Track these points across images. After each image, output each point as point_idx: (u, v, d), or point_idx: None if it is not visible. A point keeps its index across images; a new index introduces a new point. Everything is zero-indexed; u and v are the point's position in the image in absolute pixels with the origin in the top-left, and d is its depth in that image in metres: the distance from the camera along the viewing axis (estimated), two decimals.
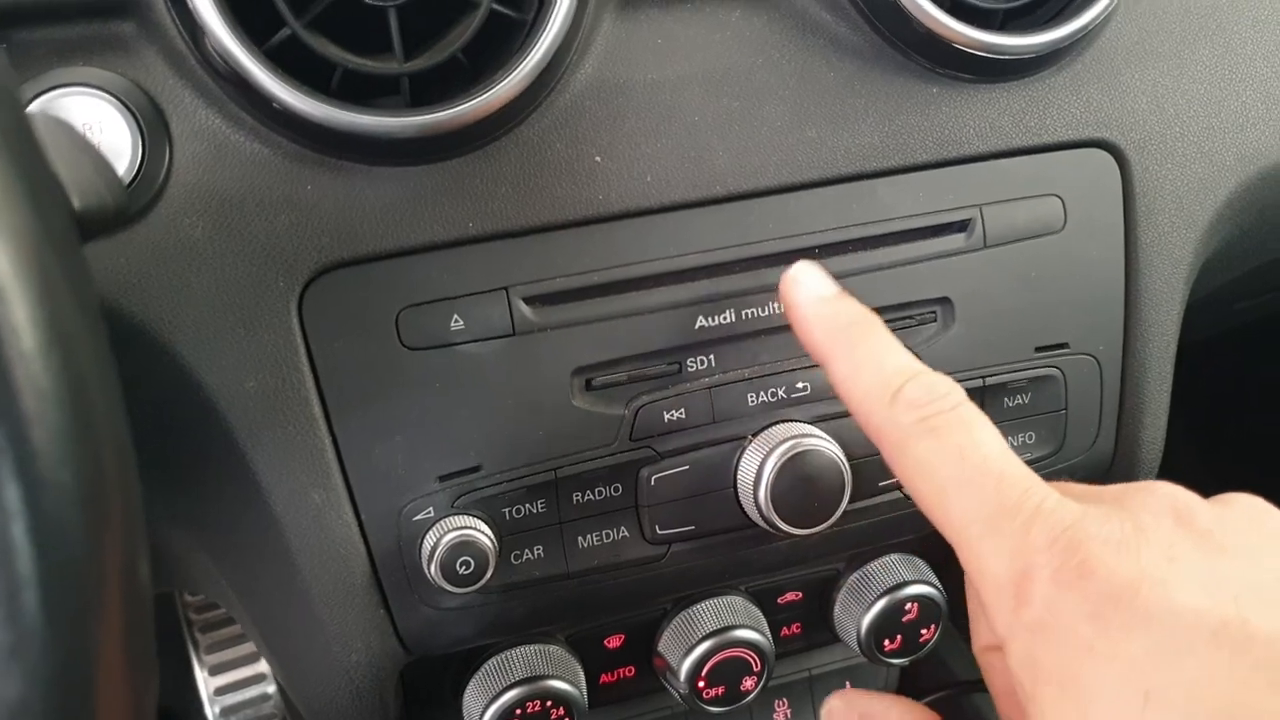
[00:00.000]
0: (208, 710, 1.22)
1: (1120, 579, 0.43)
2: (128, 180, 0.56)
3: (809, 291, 0.58)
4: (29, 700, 0.26)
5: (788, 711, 0.93)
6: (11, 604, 0.26)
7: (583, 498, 0.65)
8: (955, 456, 0.49)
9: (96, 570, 0.28)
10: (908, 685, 0.98)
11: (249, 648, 1.23)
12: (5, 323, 0.26)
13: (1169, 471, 0.78)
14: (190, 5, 0.55)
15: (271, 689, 1.24)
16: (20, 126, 0.29)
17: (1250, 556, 0.44)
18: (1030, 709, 0.44)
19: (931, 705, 0.96)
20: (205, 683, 1.23)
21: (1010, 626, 0.45)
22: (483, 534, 0.61)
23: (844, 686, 0.94)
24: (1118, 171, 0.71)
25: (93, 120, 0.56)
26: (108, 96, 0.56)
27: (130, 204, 0.55)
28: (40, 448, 0.26)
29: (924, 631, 0.79)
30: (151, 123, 0.57)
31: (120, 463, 0.29)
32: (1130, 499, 0.48)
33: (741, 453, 0.66)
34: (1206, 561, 0.43)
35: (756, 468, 0.64)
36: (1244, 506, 0.47)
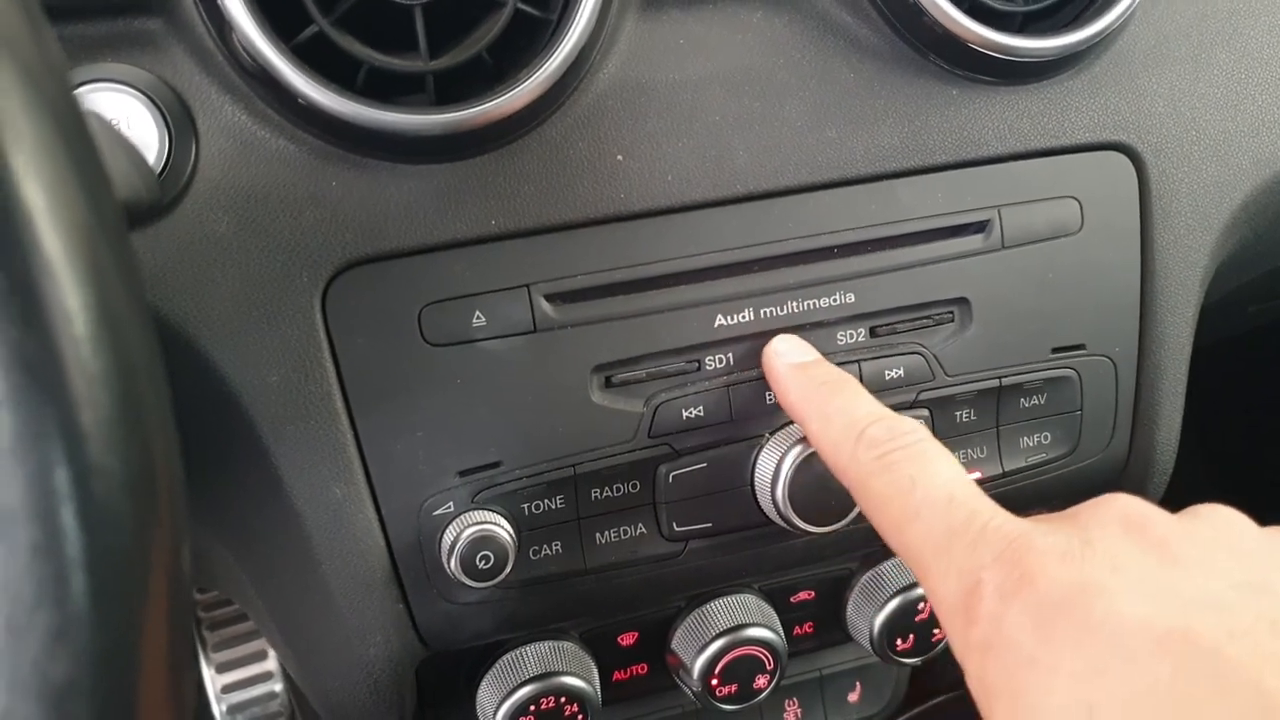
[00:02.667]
0: (214, 708, 1.22)
1: (1061, 588, 0.42)
2: (156, 175, 0.56)
3: (788, 360, 0.63)
4: (77, 682, 0.27)
5: (798, 711, 0.93)
6: (60, 587, 0.27)
7: (601, 494, 0.65)
8: (907, 487, 0.50)
9: (143, 556, 0.28)
10: (918, 685, 0.99)
11: (256, 645, 1.23)
12: (59, 307, 0.26)
13: (1180, 474, 0.78)
14: (218, 2, 0.55)
15: (278, 687, 1.24)
16: (75, 116, 0.29)
17: (1205, 566, 0.43)
18: None
19: (942, 706, 0.97)
20: (212, 680, 1.24)
21: (963, 648, 0.45)
22: (502, 529, 0.61)
23: (855, 686, 0.94)
24: (1134, 174, 0.71)
25: (120, 116, 0.56)
26: (135, 92, 0.56)
27: (162, 197, 0.55)
28: (90, 431, 0.27)
29: (936, 631, 0.79)
30: (178, 119, 0.57)
31: (167, 449, 0.30)
32: (1083, 513, 0.47)
33: (759, 451, 0.66)
34: (1155, 571, 0.42)
35: (774, 466, 0.65)
36: (1211, 518, 0.47)
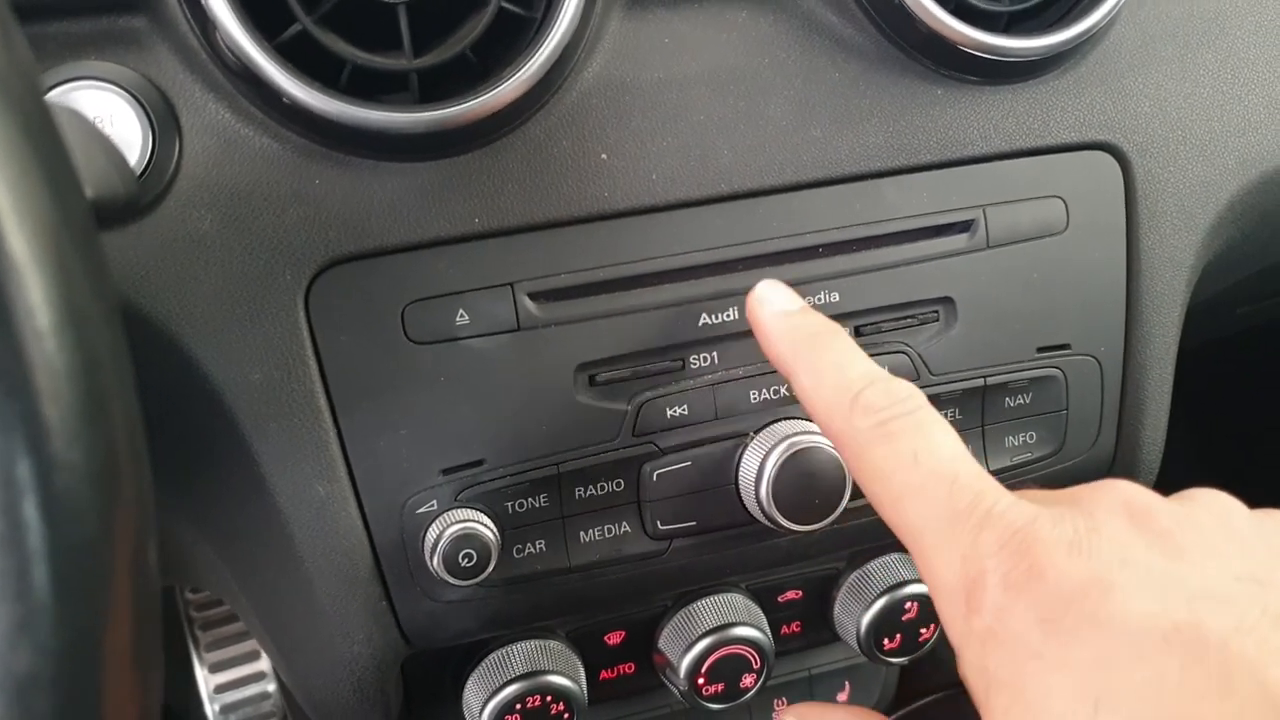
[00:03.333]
0: (207, 708, 1.23)
1: (1071, 583, 0.42)
2: (138, 173, 0.56)
3: (773, 307, 0.59)
4: (38, 674, 0.27)
5: None
6: (22, 579, 0.27)
7: (585, 492, 0.65)
8: (909, 461, 0.48)
9: (107, 549, 0.28)
10: (908, 685, 0.99)
11: (249, 646, 1.24)
12: (22, 302, 0.26)
13: (1170, 475, 0.78)
14: (202, 0, 0.55)
15: (271, 687, 1.24)
16: (42, 116, 0.30)
17: (1210, 557, 0.43)
18: (985, 718, 0.44)
19: (931, 706, 0.97)
20: (205, 680, 1.24)
21: (963, 635, 0.45)
22: (485, 527, 0.61)
23: (843, 686, 0.95)
24: (1120, 174, 0.71)
25: (104, 114, 0.56)
26: (119, 90, 0.57)
27: (141, 195, 0.55)
28: (52, 425, 0.27)
29: (923, 631, 0.79)
30: (162, 116, 0.57)
31: (132, 444, 0.30)
32: (1086, 499, 0.47)
33: (743, 450, 0.66)
34: (1161, 564, 0.42)
35: (758, 464, 0.65)
36: (1207, 503, 0.46)
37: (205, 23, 0.57)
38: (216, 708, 1.24)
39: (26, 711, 0.26)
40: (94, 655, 0.28)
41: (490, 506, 0.63)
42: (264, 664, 1.24)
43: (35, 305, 0.27)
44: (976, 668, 0.44)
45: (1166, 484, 0.77)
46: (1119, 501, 0.46)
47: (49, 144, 0.30)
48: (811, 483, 0.64)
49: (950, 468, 0.48)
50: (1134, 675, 0.39)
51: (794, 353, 0.57)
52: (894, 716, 0.97)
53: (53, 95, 0.56)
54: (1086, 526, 0.44)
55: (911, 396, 0.51)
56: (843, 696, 0.95)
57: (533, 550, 0.65)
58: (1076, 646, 0.40)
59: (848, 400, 0.52)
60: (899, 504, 0.48)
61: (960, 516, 0.46)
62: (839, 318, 0.66)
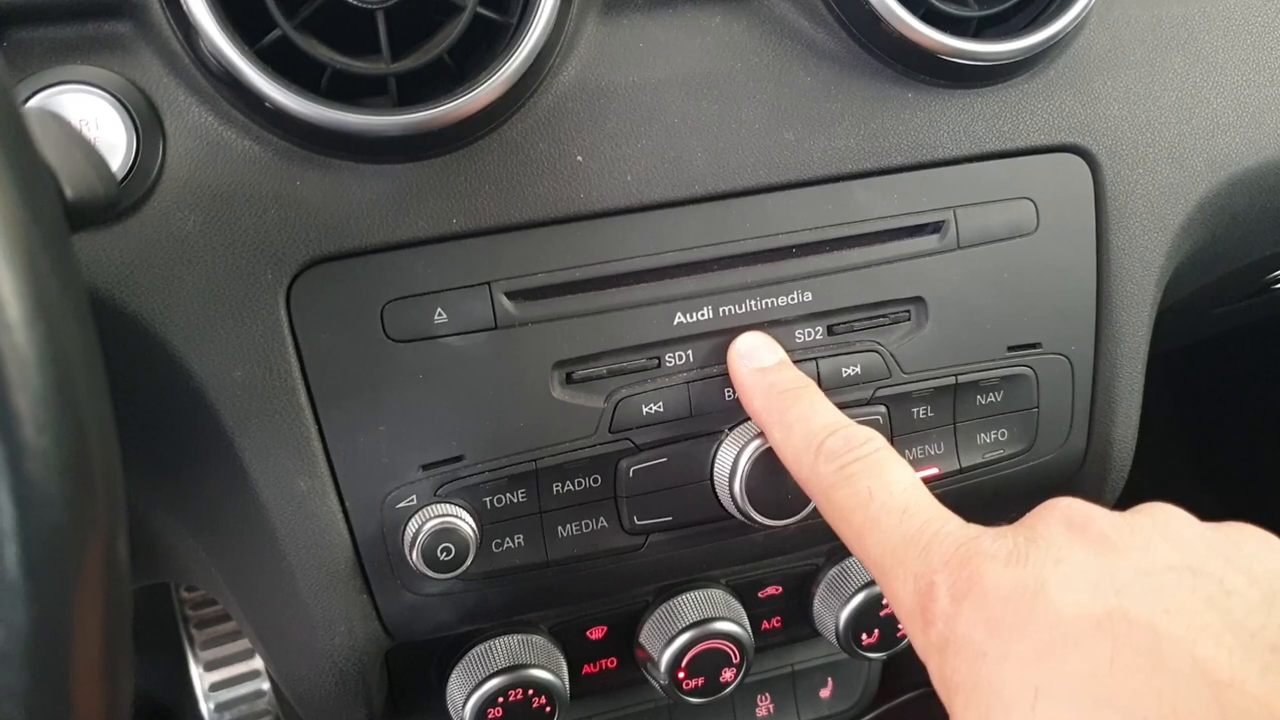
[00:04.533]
0: (202, 706, 1.24)
1: (1008, 585, 0.45)
2: (122, 175, 0.58)
3: (750, 364, 0.65)
4: (9, 651, 0.28)
5: (770, 706, 0.94)
6: None
7: (563, 488, 0.66)
8: (866, 499, 0.53)
9: (76, 532, 0.30)
10: (890, 682, 1.00)
11: (243, 644, 1.25)
12: None
13: (1165, 473, 0.79)
14: (184, 6, 0.56)
15: (265, 685, 1.25)
16: (11, 117, 0.31)
17: (1143, 552, 0.45)
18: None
19: (912, 702, 0.98)
20: (200, 678, 1.25)
21: (924, 648, 0.48)
22: (464, 522, 0.63)
23: (826, 682, 0.96)
24: (1090, 176, 0.72)
25: (90, 117, 0.58)
26: (104, 94, 0.58)
27: (122, 196, 0.56)
28: (22, 413, 0.28)
29: (900, 627, 0.80)
30: (146, 120, 0.59)
31: (101, 432, 0.31)
32: (1029, 518, 0.50)
33: (718, 446, 0.68)
34: (1095, 560, 0.45)
35: (732, 460, 0.66)
36: (1150, 511, 0.49)
37: (188, 28, 0.58)
38: (211, 705, 1.25)
39: None
40: (63, 634, 0.29)
41: (469, 501, 0.64)
42: (258, 662, 1.25)
43: (5, 298, 0.28)
44: (939, 677, 0.47)
45: (1159, 485, 0.79)
46: (1058, 515, 0.49)
47: (18, 145, 0.31)
48: (784, 479, 0.65)
49: (901, 500, 0.52)
50: (1070, 661, 0.41)
51: (766, 408, 0.63)
52: (875, 712, 0.98)
53: (39, 99, 0.57)
54: (1025, 538, 0.47)
55: (869, 441, 0.56)
56: (825, 693, 0.96)
57: (511, 545, 0.66)
58: (1017, 641, 0.43)
59: (813, 449, 0.57)
60: (861, 539, 0.53)
61: (911, 540, 0.50)
62: (812, 317, 0.68)
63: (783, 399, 0.62)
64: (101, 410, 0.32)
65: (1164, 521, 0.48)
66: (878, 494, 0.53)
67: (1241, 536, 0.47)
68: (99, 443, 0.31)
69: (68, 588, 0.29)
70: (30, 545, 0.28)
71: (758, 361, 0.65)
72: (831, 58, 0.68)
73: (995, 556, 0.46)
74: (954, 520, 0.50)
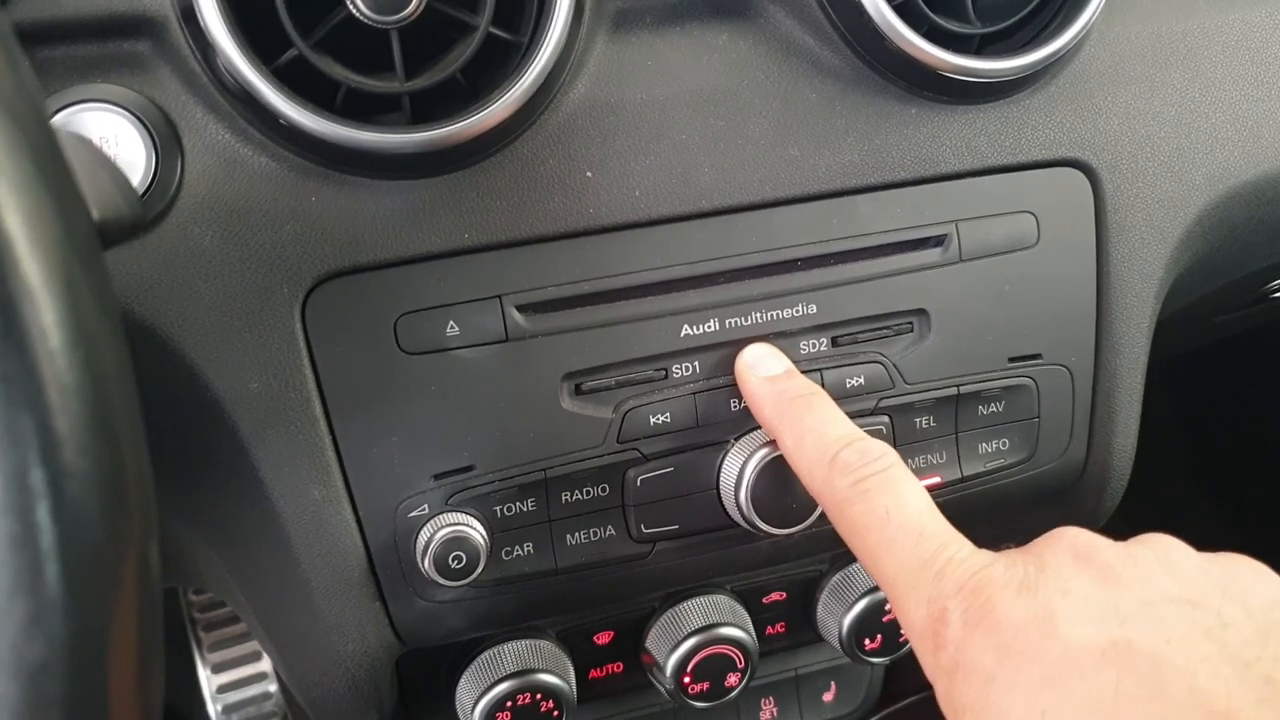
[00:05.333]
0: (210, 708, 1.25)
1: (1019, 614, 0.47)
2: (141, 192, 0.59)
3: (759, 372, 0.66)
4: (50, 663, 0.29)
5: (774, 710, 0.95)
6: (35, 576, 0.29)
7: (571, 497, 0.68)
8: (882, 518, 0.54)
9: (113, 549, 0.31)
10: (892, 686, 1.01)
11: (251, 647, 1.26)
12: (35, 324, 0.29)
13: (1163, 480, 0.80)
14: (203, 26, 0.58)
15: (273, 687, 1.27)
16: (50, 144, 0.32)
17: (1146, 585, 0.47)
18: None
19: (915, 705, 0.99)
20: (208, 680, 1.26)
21: (933, 670, 0.50)
22: (475, 530, 0.64)
23: (829, 686, 0.97)
24: (1090, 190, 0.73)
25: (109, 134, 0.59)
26: (124, 112, 0.59)
27: (145, 215, 0.58)
28: (64, 437, 0.29)
29: (904, 632, 0.81)
30: (165, 137, 0.60)
31: (136, 452, 0.32)
32: (1037, 545, 0.52)
33: (724, 456, 0.69)
34: (1099, 593, 0.47)
35: (738, 470, 0.67)
36: (1151, 543, 0.51)
37: (206, 47, 0.59)
38: (219, 708, 1.26)
39: (40, 696, 0.29)
40: (101, 646, 0.30)
41: (480, 510, 0.65)
42: (265, 664, 1.26)
43: (48, 326, 0.29)
44: (946, 698, 0.49)
45: (1157, 490, 0.80)
46: (1065, 545, 0.51)
47: (56, 171, 0.32)
48: (789, 488, 0.66)
49: (917, 522, 0.53)
50: (1075, 689, 0.43)
51: (778, 416, 0.63)
52: (878, 716, 0.99)
53: (60, 117, 0.59)
54: (1035, 568, 0.49)
55: (884, 456, 0.57)
56: (829, 696, 0.97)
57: (521, 553, 0.67)
58: (1025, 668, 0.45)
59: (826, 460, 0.58)
60: (876, 557, 0.54)
61: (926, 564, 0.51)
62: (816, 329, 0.69)
63: (794, 407, 0.63)
64: (136, 429, 0.33)
65: (1164, 553, 0.50)
66: (894, 514, 0.54)
67: (1238, 569, 0.48)
68: (134, 460, 0.32)
69: (105, 602, 0.31)
70: (70, 563, 0.29)
71: (766, 370, 0.66)
72: (836, 74, 0.69)
73: (1007, 587, 0.48)
74: (966, 546, 0.52)
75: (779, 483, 0.66)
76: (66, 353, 0.30)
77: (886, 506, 0.54)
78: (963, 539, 0.53)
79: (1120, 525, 0.85)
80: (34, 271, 0.29)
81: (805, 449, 0.60)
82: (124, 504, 0.31)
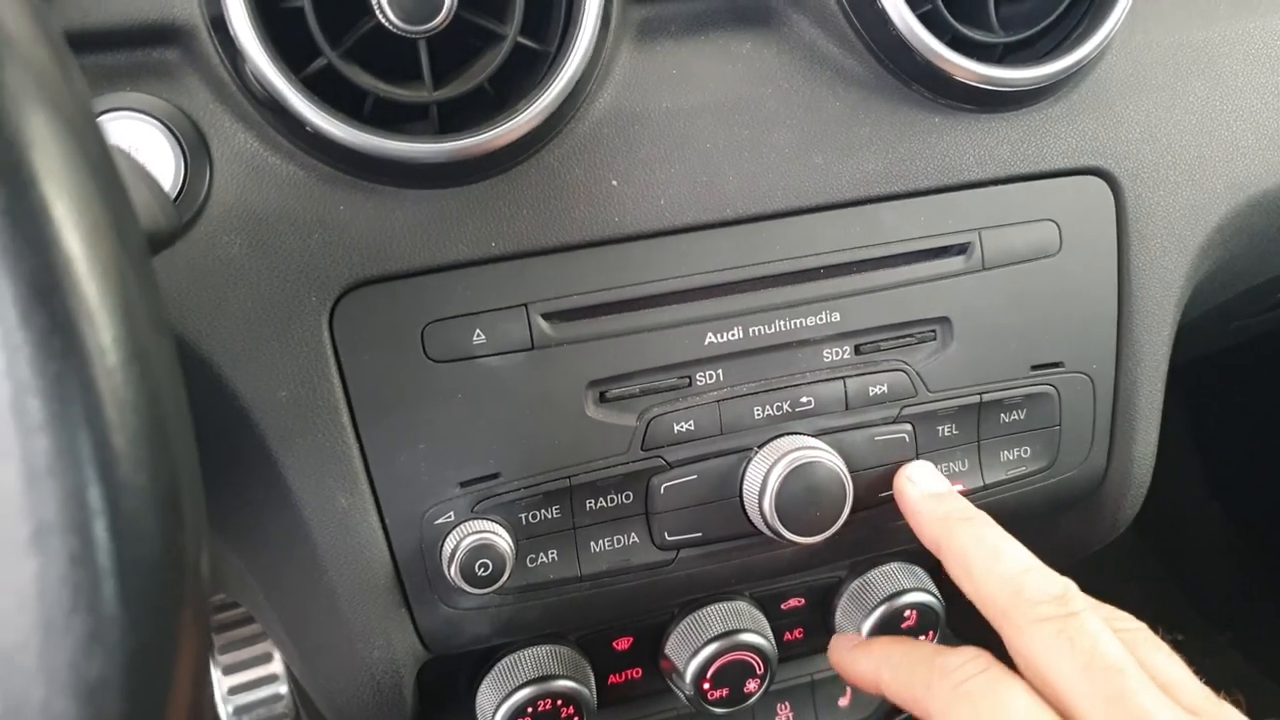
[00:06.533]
0: (221, 709, 1.25)
1: None
2: (172, 200, 0.59)
3: (921, 489, 0.68)
4: (109, 679, 0.29)
5: (790, 714, 0.96)
6: (94, 593, 0.29)
7: (596, 504, 0.68)
8: (1085, 662, 0.54)
9: (169, 564, 0.31)
10: None
11: (262, 648, 1.26)
12: (94, 342, 0.29)
13: (1174, 484, 0.80)
14: (232, 34, 0.58)
15: (284, 689, 1.26)
16: (105, 159, 0.32)
17: None
18: None
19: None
20: (219, 682, 1.26)
21: None
22: (500, 538, 0.64)
23: (845, 691, 0.97)
24: (1111, 198, 0.74)
25: (139, 143, 0.59)
26: (153, 120, 0.59)
27: (180, 224, 0.58)
28: (121, 453, 0.30)
29: (922, 638, 0.81)
30: (193, 145, 0.60)
31: (189, 466, 0.32)
32: None
33: (748, 464, 0.69)
34: None
35: (762, 478, 0.67)
36: None
37: (235, 56, 0.59)
38: (230, 708, 1.26)
39: (99, 714, 0.29)
40: (159, 661, 0.31)
41: (505, 517, 0.66)
42: (277, 666, 1.26)
43: (106, 345, 0.29)
44: None
45: (1165, 494, 0.80)
46: None
47: (113, 188, 0.32)
48: (813, 496, 0.67)
49: (1119, 667, 0.54)
50: None
51: (946, 536, 0.64)
52: None
53: None
54: None
55: (1067, 591, 0.58)
56: (844, 701, 0.97)
57: (545, 560, 0.68)
58: None
59: (1010, 589, 0.59)
60: (1072, 696, 0.54)
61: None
62: (839, 337, 0.69)
63: (963, 529, 0.64)
64: (189, 443, 0.33)
65: None
66: (1096, 661, 0.54)
67: None
68: (187, 475, 0.33)
69: (163, 618, 0.31)
70: (128, 579, 0.30)
71: (927, 486, 0.68)
72: (859, 83, 0.69)
73: None
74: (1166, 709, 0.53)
75: (803, 491, 0.66)
76: (123, 370, 0.30)
77: (1091, 647, 0.55)
78: (1160, 697, 0.53)
79: (1129, 532, 0.85)
80: (93, 290, 0.29)
81: (977, 571, 0.61)
82: (180, 519, 0.31)
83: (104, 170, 0.32)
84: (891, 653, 0.64)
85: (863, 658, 0.67)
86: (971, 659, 0.58)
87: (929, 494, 0.68)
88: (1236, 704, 0.55)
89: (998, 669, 0.57)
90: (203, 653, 0.34)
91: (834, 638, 0.73)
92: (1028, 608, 0.58)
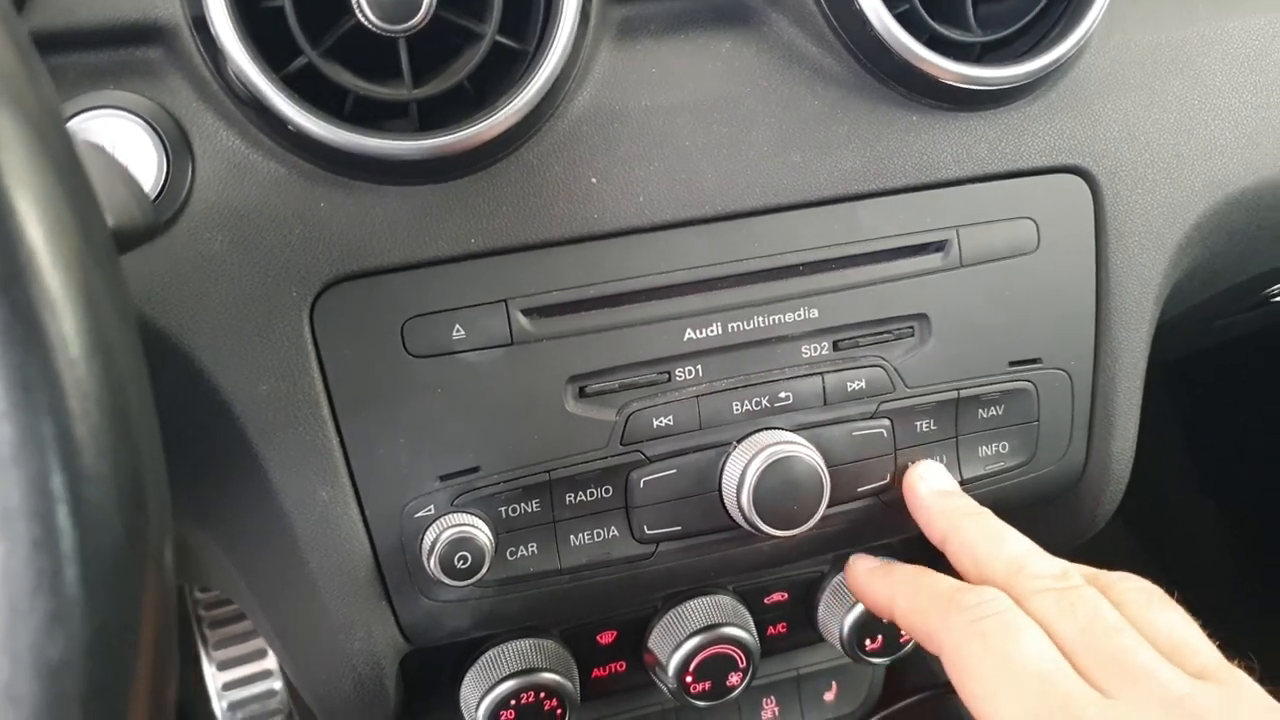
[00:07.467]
0: (215, 705, 1.26)
1: None
2: (153, 197, 0.60)
3: (930, 486, 0.71)
4: (70, 661, 0.30)
5: (776, 709, 0.96)
6: (55, 578, 0.30)
7: (575, 498, 0.68)
8: (1091, 616, 0.57)
9: (130, 550, 0.32)
10: (893, 685, 1.02)
11: (256, 644, 1.27)
12: (56, 333, 0.30)
13: (1166, 483, 0.81)
14: (213, 33, 0.58)
15: (278, 685, 1.27)
16: (69, 156, 0.33)
17: None
18: None
19: (915, 705, 1.00)
20: (213, 678, 1.27)
21: None
22: (480, 531, 0.65)
23: (830, 686, 0.98)
24: (1090, 196, 0.74)
25: (121, 140, 0.60)
26: (136, 118, 0.60)
27: (157, 221, 0.59)
28: (83, 442, 0.30)
29: (904, 633, 0.82)
30: (176, 143, 0.61)
31: (153, 456, 0.33)
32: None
33: (726, 458, 0.69)
34: None
35: (740, 472, 0.68)
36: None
37: (216, 54, 0.60)
38: (224, 704, 1.26)
39: (60, 693, 0.30)
40: (119, 644, 0.31)
41: (485, 511, 0.66)
42: (271, 662, 1.27)
43: (68, 336, 0.30)
44: None
45: (1158, 491, 0.81)
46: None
47: (75, 181, 0.33)
48: (791, 490, 0.67)
49: (1118, 628, 0.56)
50: None
51: (953, 528, 0.67)
52: (879, 715, 1.00)
53: (73, 124, 0.60)
54: None
55: (1066, 570, 0.61)
56: (830, 696, 0.98)
57: (525, 553, 0.68)
58: None
59: (1013, 570, 0.61)
60: (1073, 650, 0.56)
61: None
62: (818, 333, 0.70)
63: (967, 522, 0.67)
64: (152, 434, 0.34)
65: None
66: (1097, 622, 0.57)
67: None
68: (151, 465, 0.33)
69: (124, 602, 0.32)
70: (89, 564, 0.30)
71: (936, 484, 0.71)
72: (838, 82, 0.70)
73: None
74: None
75: (781, 485, 0.67)
76: (86, 360, 0.31)
77: (1093, 610, 0.57)
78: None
79: (1120, 530, 0.86)
80: (55, 281, 0.30)
81: (980, 554, 0.64)
82: (142, 507, 0.32)
83: (69, 167, 0.32)
84: (910, 580, 0.65)
85: (880, 581, 0.68)
86: (992, 598, 0.58)
87: (938, 490, 0.70)
88: (1250, 671, 0.55)
89: (1015, 612, 0.57)
90: (169, 638, 0.34)
91: (853, 557, 0.73)
92: (1029, 580, 0.59)
